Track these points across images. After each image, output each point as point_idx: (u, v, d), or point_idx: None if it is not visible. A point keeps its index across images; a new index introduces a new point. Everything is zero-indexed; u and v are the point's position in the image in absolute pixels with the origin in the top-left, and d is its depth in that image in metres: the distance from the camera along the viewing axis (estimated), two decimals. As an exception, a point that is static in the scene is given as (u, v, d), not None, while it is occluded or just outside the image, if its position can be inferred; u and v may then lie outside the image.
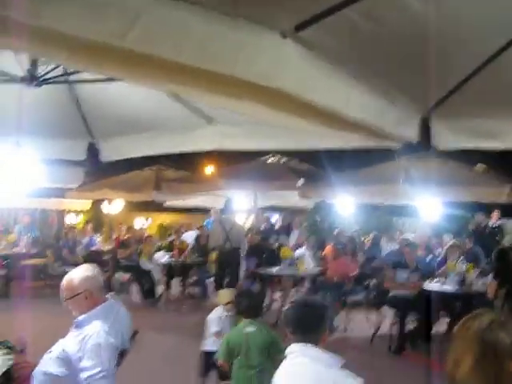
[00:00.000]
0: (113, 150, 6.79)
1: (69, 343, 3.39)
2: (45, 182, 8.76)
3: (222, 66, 2.46)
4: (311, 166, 12.25)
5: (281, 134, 5.14)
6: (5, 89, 4.71)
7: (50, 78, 4.37)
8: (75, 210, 17.57)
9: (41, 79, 4.30)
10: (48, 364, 3.39)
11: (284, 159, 12.07)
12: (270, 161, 12.03)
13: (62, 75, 4.56)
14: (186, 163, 15.49)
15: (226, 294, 5.66)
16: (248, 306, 4.62)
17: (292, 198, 12.67)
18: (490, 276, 8.13)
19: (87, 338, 3.29)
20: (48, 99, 5.39)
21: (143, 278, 11.79)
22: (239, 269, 10.41)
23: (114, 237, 14.44)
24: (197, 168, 15.31)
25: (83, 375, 3.19)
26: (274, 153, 11.83)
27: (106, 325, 3.37)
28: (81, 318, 3.46)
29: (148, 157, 8.06)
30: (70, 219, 18.89)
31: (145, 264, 12.13)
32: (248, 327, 4.47)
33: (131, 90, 5.14)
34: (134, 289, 11.82)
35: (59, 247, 13.22)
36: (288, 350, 2.86)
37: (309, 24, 2.61)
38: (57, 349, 3.43)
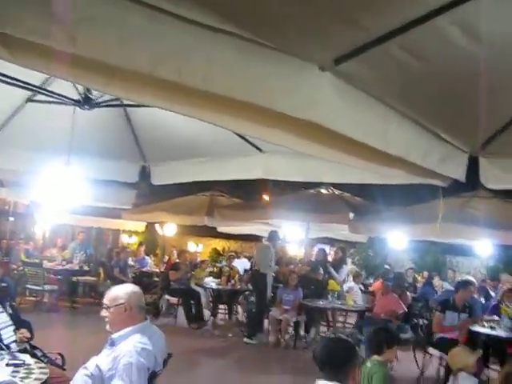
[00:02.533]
0: (164, 174, 6.94)
1: (102, 361, 3.44)
2: (97, 201, 9.05)
3: (257, 97, 2.48)
4: (363, 200, 12.10)
5: (325, 167, 5.12)
6: (63, 110, 4.89)
7: (102, 102, 4.51)
8: (129, 231, 17.90)
9: (94, 102, 4.45)
10: (81, 380, 3.44)
11: (337, 192, 11.96)
12: (323, 192, 11.94)
13: (115, 99, 4.71)
14: (240, 191, 15.63)
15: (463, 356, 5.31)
16: (371, 342, 4.51)
17: (345, 231, 12.52)
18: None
19: (120, 357, 3.32)
20: (104, 122, 5.58)
21: (192, 301, 11.84)
22: (265, 294, 10.54)
23: (166, 259, 14.61)
24: (250, 196, 15.43)
25: (114, 393, 3.23)
26: (328, 184, 11.75)
27: (139, 345, 3.39)
28: (115, 335, 3.52)
29: (203, 182, 8.19)
30: (125, 239, 19.25)
31: (195, 288, 12.22)
32: (368, 362, 4.36)
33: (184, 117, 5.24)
34: (182, 312, 11.85)
35: (111, 266, 13.46)
36: None
37: (348, 57, 2.61)
38: (91, 366, 3.48)
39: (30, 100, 5.07)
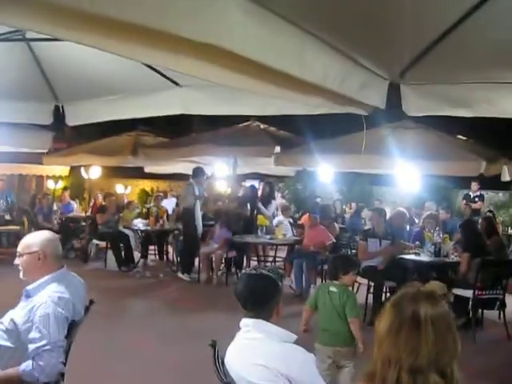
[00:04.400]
0: (79, 114, 6.58)
1: (17, 314, 3.32)
2: (9, 146, 8.62)
3: (157, 20, 2.26)
4: (291, 134, 12.06)
5: (246, 99, 4.95)
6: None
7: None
8: (54, 176, 17.29)
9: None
10: (-2, 335, 3.30)
11: (263, 125, 11.85)
12: (249, 127, 11.80)
13: (14, 32, 4.29)
14: (168, 129, 15.34)
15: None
16: (330, 268, 5.08)
17: (273, 166, 12.50)
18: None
19: (35, 309, 3.21)
20: (4, 60, 5.15)
21: (121, 244, 11.67)
22: (192, 230, 10.61)
23: (92, 203, 14.27)
24: (178, 134, 15.15)
25: (30, 347, 3.11)
26: (254, 118, 11.63)
27: (55, 295, 3.27)
28: (30, 287, 3.39)
29: (127, 122, 7.87)
30: (51, 185, 18.61)
31: (123, 230, 12.01)
32: (331, 287, 4.67)
33: (96, 51, 4.89)
34: (111, 256, 11.68)
35: (34, 214, 13.04)
36: (241, 324, 2.81)
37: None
38: (6, 320, 3.35)
39: None
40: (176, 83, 5.37)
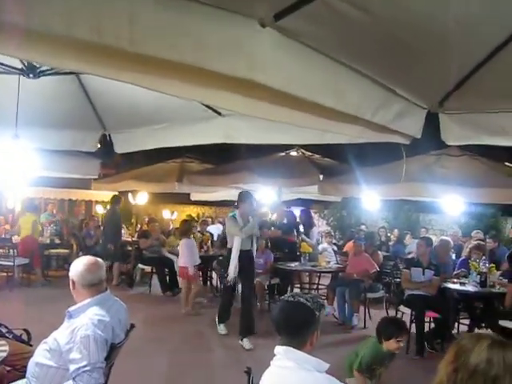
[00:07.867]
0: (126, 142, 6.82)
1: (60, 334, 3.43)
2: (59, 172, 8.93)
3: (192, 57, 2.35)
4: (335, 161, 12.05)
5: (287, 128, 4.99)
6: (8, 81, 4.66)
7: (49, 70, 4.30)
8: (102, 201, 17.71)
9: (38, 71, 4.25)
10: (41, 355, 3.43)
11: (307, 153, 11.88)
12: (292, 155, 11.86)
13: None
14: (214, 155, 15.52)
15: None
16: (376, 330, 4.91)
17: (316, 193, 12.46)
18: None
19: (77, 330, 3.32)
20: (56, 91, 5.39)
21: (165, 269, 11.82)
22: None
23: (138, 228, 14.52)
24: (224, 161, 15.34)
25: (71, 367, 3.21)
26: (298, 147, 11.67)
27: (95, 317, 3.38)
28: (72, 308, 3.53)
29: (175, 148, 8.04)
30: (99, 210, 19.07)
31: (168, 255, 12.16)
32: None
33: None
34: (156, 281, 11.84)
35: (83, 237, 13.34)
36: (275, 351, 2.78)
37: (288, 12, 2.49)
38: (50, 340, 3.46)
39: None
40: (218, 113, 5.50)
